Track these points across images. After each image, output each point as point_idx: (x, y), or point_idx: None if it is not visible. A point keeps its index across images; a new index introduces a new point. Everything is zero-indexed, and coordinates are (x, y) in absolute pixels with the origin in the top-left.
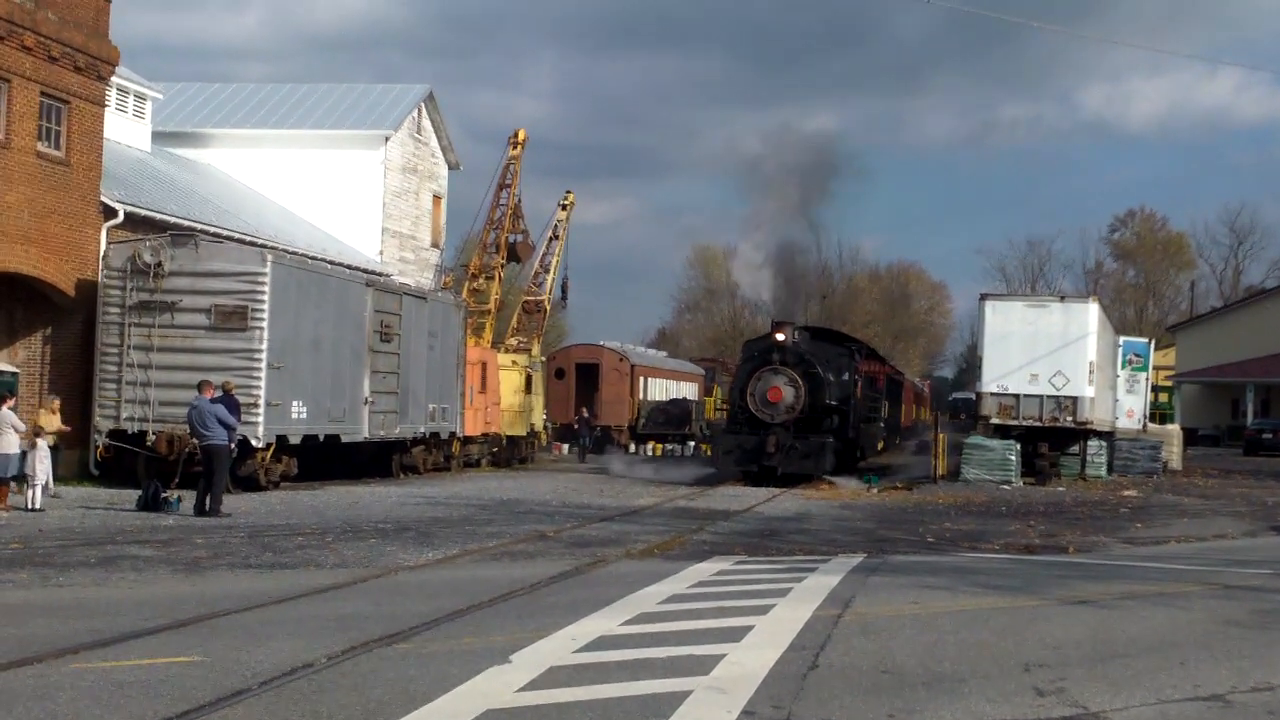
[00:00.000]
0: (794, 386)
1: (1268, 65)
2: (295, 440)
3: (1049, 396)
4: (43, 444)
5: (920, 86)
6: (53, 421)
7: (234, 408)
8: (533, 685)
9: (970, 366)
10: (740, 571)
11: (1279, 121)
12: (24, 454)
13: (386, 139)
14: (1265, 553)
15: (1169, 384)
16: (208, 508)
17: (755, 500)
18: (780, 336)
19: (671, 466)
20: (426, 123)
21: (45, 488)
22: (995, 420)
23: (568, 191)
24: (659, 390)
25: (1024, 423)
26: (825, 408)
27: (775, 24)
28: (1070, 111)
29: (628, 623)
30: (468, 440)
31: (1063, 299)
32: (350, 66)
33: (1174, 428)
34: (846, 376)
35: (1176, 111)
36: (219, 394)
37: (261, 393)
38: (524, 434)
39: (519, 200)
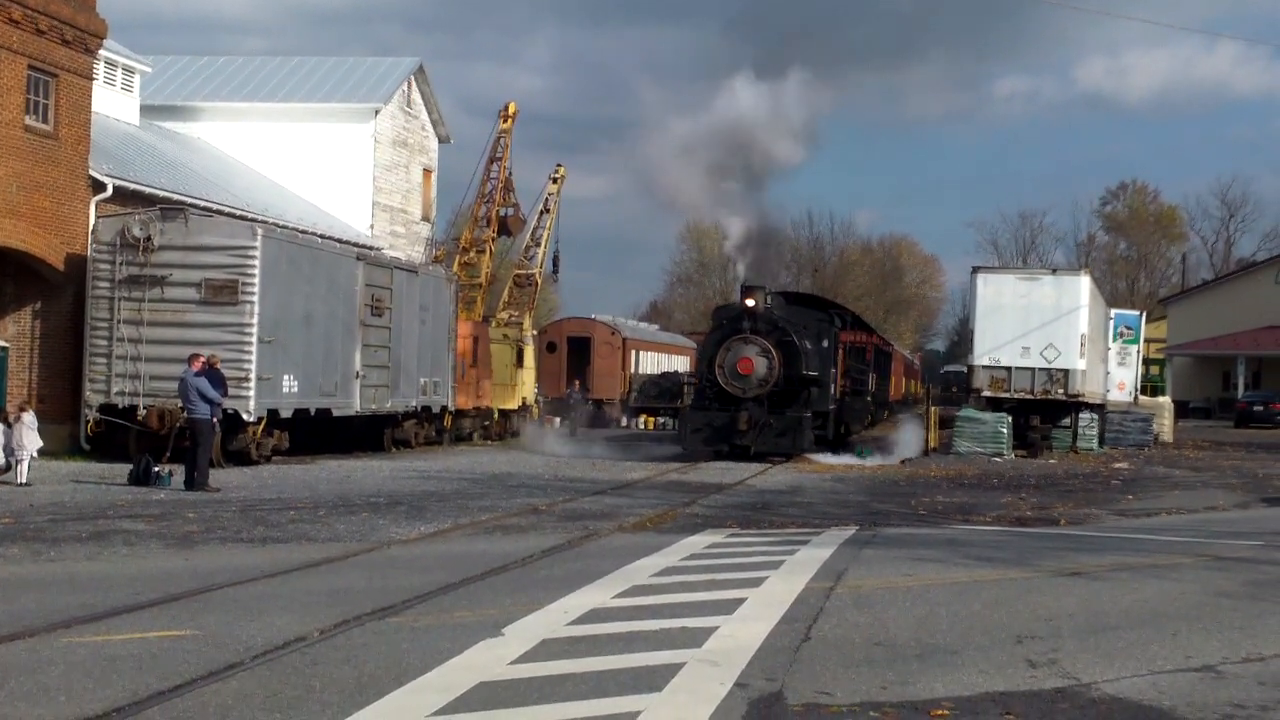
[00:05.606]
0: (767, 357)
1: (1267, 39)
2: (286, 414)
3: (1041, 369)
4: (28, 416)
5: (915, 59)
6: None
7: (217, 382)
8: (525, 658)
9: (962, 339)
10: (733, 544)
11: (1277, 95)
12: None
13: (376, 112)
14: (1256, 524)
15: (1160, 356)
16: (193, 482)
17: (747, 474)
18: (751, 302)
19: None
20: (417, 96)
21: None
22: (987, 393)
23: (558, 165)
24: (651, 364)
25: (1016, 395)
26: (803, 379)
27: None
28: (1066, 85)
29: (620, 595)
30: (459, 414)
31: (1054, 272)
32: (346, 40)
33: (1165, 400)
34: (827, 344)
35: (1174, 85)
36: (204, 367)
37: (252, 367)
38: (516, 408)
39: (510, 174)
